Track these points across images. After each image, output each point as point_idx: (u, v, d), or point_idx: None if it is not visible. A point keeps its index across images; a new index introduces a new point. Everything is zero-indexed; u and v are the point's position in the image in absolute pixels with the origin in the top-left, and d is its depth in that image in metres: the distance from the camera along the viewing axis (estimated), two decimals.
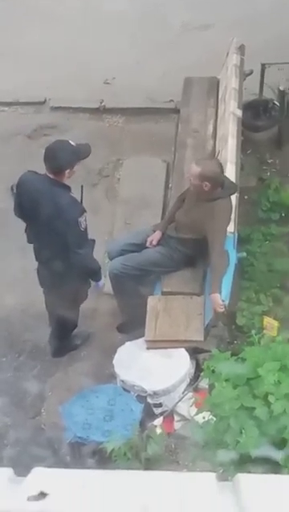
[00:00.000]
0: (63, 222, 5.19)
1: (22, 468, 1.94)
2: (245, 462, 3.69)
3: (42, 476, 1.82)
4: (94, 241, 5.49)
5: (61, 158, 5.20)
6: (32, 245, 5.53)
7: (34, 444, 5.42)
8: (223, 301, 5.38)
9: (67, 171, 5.19)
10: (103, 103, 7.98)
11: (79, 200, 5.34)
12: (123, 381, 5.43)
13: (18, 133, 7.80)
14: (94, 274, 5.58)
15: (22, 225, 5.51)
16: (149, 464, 4.73)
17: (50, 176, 5.22)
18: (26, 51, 8.12)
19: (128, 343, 5.68)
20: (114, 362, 5.54)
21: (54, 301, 5.76)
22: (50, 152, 5.24)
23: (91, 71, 7.99)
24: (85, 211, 5.28)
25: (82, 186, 5.41)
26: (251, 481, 1.80)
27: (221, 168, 5.66)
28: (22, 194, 5.37)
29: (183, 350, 5.55)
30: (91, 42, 8.21)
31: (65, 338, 6.09)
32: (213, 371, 4.08)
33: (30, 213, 5.32)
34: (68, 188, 5.28)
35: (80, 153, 5.29)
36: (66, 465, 5.10)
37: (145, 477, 1.90)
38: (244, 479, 1.79)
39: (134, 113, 7.92)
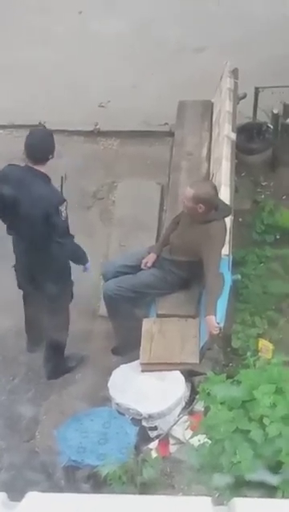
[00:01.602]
0: (43, 211, 5.26)
1: (16, 492, 1.92)
2: (240, 486, 3.67)
3: (36, 501, 1.81)
4: (73, 236, 5.53)
5: (46, 146, 5.33)
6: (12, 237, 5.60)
7: (29, 468, 5.38)
8: (218, 323, 5.38)
9: (50, 157, 5.31)
10: (97, 126, 8.02)
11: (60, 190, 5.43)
12: (118, 404, 5.40)
13: (13, 157, 7.78)
14: (79, 258, 5.63)
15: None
16: (145, 488, 4.70)
17: (32, 166, 5.32)
18: (21, 74, 8.15)
19: (122, 366, 5.66)
20: (109, 385, 5.52)
21: (37, 301, 5.76)
22: (34, 142, 5.36)
23: (86, 94, 8.03)
24: (65, 200, 5.34)
25: (62, 177, 5.49)
26: (247, 506, 1.79)
27: (216, 190, 5.68)
28: (3, 186, 5.42)
29: (178, 373, 5.53)
30: (86, 65, 8.25)
31: (59, 352, 6.01)
32: (208, 394, 4.07)
33: (11, 204, 5.37)
34: (48, 178, 5.37)
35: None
36: (60, 490, 5.06)
37: (140, 501, 1.88)
38: (240, 503, 1.78)
39: (129, 136, 7.96)
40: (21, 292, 5.92)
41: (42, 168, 5.33)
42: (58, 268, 5.54)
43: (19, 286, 5.81)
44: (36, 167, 5.32)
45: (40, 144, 5.35)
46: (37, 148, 5.33)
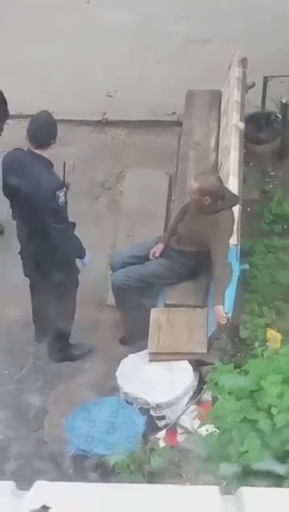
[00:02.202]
0: (41, 195, 5.28)
1: (24, 481, 1.93)
2: (248, 475, 3.67)
3: (44, 489, 1.82)
4: (74, 224, 5.53)
5: (48, 131, 5.35)
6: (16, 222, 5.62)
7: (37, 458, 5.40)
8: (226, 313, 5.38)
9: (52, 142, 5.34)
10: (105, 116, 8.01)
11: (62, 177, 5.43)
12: (126, 394, 5.42)
13: (22, 146, 7.81)
14: (76, 250, 5.60)
15: None
16: (152, 477, 4.71)
17: (35, 150, 5.34)
18: (29, 65, 8.15)
19: (131, 356, 5.67)
20: (117, 374, 5.53)
21: (44, 287, 5.76)
22: (36, 126, 5.39)
23: (94, 84, 8.02)
24: (64, 186, 5.35)
25: (64, 163, 5.50)
26: (254, 495, 1.79)
27: (221, 181, 5.65)
28: (7, 170, 5.46)
29: (186, 362, 5.54)
30: (94, 55, 8.25)
31: (64, 338, 6.01)
32: (216, 384, 4.07)
33: (14, 189, 5.40)
34: (51, 163, 5.39)
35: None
36: (68, 479, 5.08)
37: (148, 490, 1.89)
38: (247, 492, 1.79)
39: (136, 126, 7.94)
40: (28, 282, 5.93)
41: (44, 153, 5.35)
42: (61, 255, 5.53)
43: (26, 274, 5.82)
44: (38, 151, 5.34)
45: (42, 129, 5.37)
46: (39, 132, 5.35)
